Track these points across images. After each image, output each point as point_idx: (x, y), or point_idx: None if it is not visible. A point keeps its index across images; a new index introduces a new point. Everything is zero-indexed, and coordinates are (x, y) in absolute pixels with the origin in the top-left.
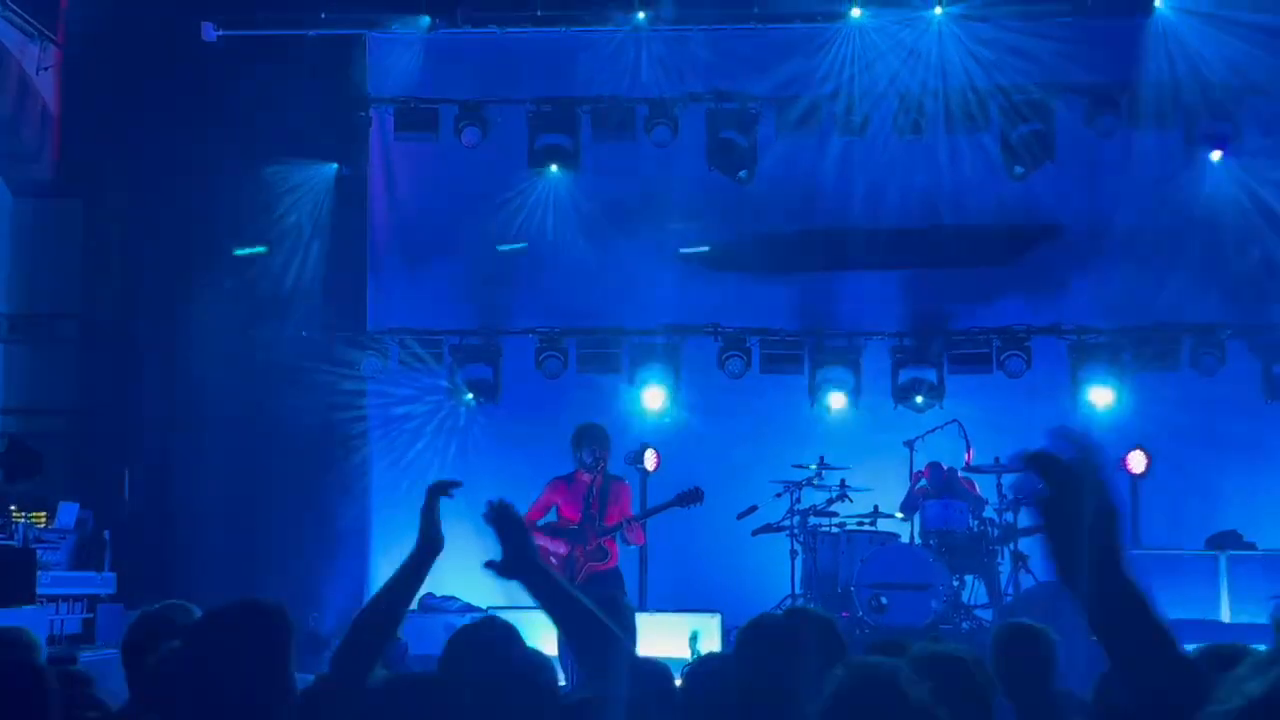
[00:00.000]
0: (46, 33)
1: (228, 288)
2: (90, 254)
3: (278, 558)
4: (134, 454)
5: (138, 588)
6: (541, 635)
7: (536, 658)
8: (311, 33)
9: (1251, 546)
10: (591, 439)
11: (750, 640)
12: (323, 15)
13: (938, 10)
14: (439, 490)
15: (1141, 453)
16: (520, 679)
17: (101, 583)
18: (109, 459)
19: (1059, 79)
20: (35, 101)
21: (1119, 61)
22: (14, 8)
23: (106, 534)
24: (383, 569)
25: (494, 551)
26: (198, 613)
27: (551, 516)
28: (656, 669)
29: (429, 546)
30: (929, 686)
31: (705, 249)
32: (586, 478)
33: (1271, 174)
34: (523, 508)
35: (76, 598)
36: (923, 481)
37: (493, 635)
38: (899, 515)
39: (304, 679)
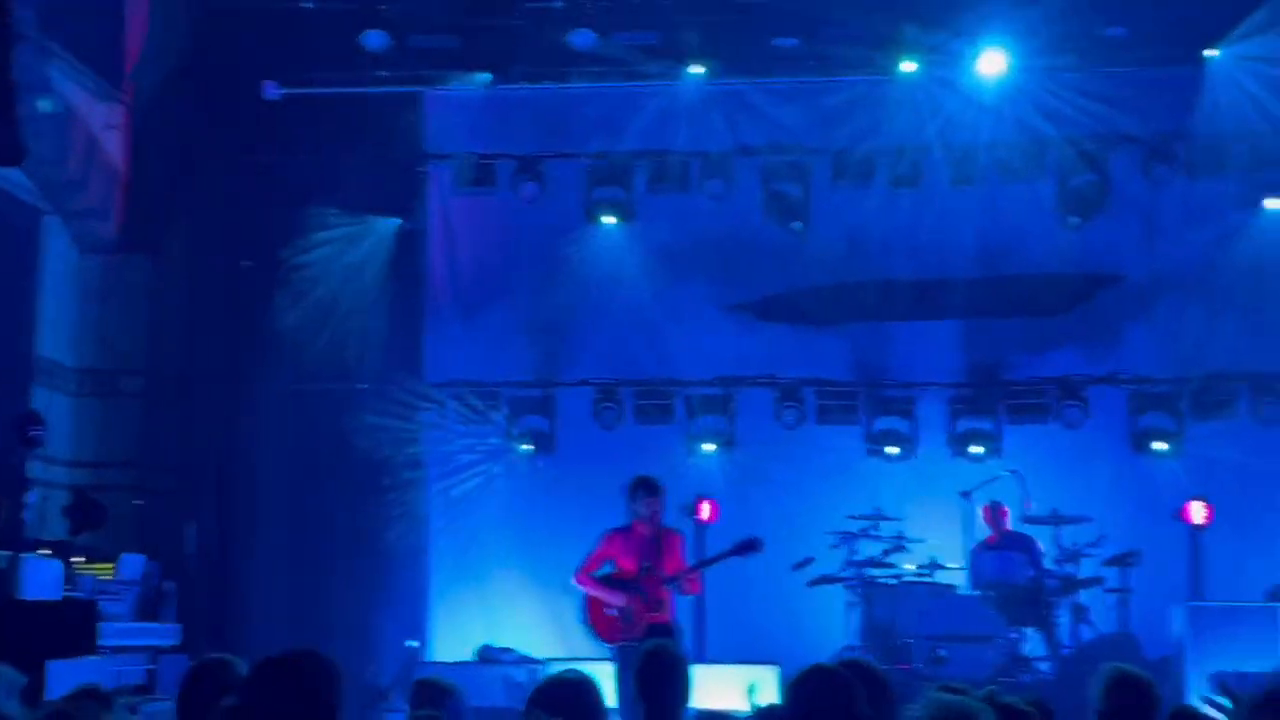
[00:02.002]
0: (114, 92)
1: (287, 343)
2: (154, 310)
3: (337, 610)
4: (197, 506)
5: (201, 639)
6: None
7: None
8: (371, 90)
9: None
10: (647, 490)
11: (800, 688)
12: (382, 74)
13: (991, 62)
14: None
15: (1201, 504)
16: None
17: (165, 634)
18: (173, 511)
19: (1114, 129)
20: (103, 160)
21: (1174, 111)
22: (82, 68)
23: (170, 586)
24: (440, 622)
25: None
26: (243, 667)
27: (608, 568)
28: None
29: None
30: None
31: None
32: (643, 529)
33: None
34: (578, 558)
35: (140, 649)
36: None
37: (579, 689)
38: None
39: None
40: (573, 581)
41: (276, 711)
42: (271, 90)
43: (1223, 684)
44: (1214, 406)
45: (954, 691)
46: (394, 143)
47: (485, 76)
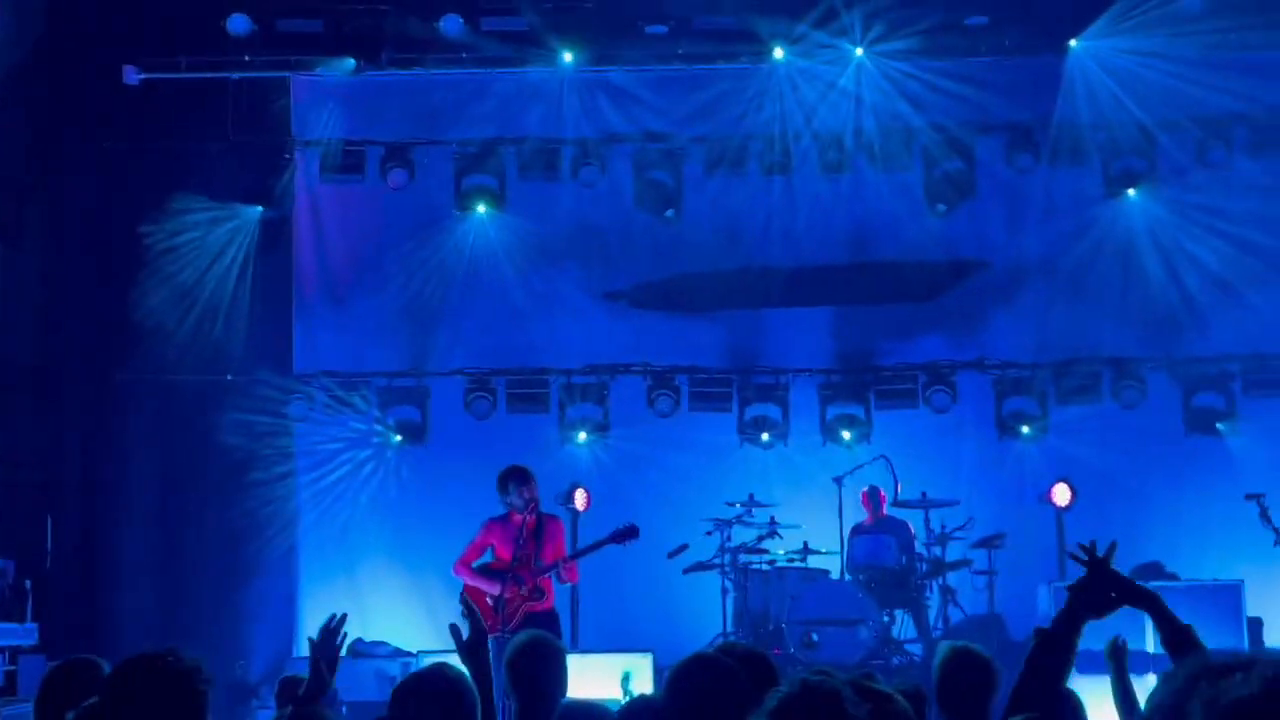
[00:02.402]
0: None
1: (152, 333)
2: (11, 298)
3: (204, 606)
4: (57, 502)
5: (61, 639)
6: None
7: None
8: (235, 75)
9: (1174, 577)
10: (519, 480)
11: (682, 678)
12: (246, 58)
13: (859, 51)
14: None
15: (1065, 486)
16: None
17: (23, 634)
18: (31, 508)
19: (979, 117)
20: None
21: (1037, 100)
22: None
23: (28, 584)
24: (309, 616)
25: (422, 595)
26: (106, 667)
27: (488, 557)
28: (593, 712)
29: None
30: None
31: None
32: (521, 518)
33: (1186, 208)
34: (456, 548)
35: None
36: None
37: (444, 685)
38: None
39: None
40: (452, 572)
41: (138, 713)
42: (132, 75)
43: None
44: (1077, 391)
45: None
46: (259, 129)
47: (351, 62)
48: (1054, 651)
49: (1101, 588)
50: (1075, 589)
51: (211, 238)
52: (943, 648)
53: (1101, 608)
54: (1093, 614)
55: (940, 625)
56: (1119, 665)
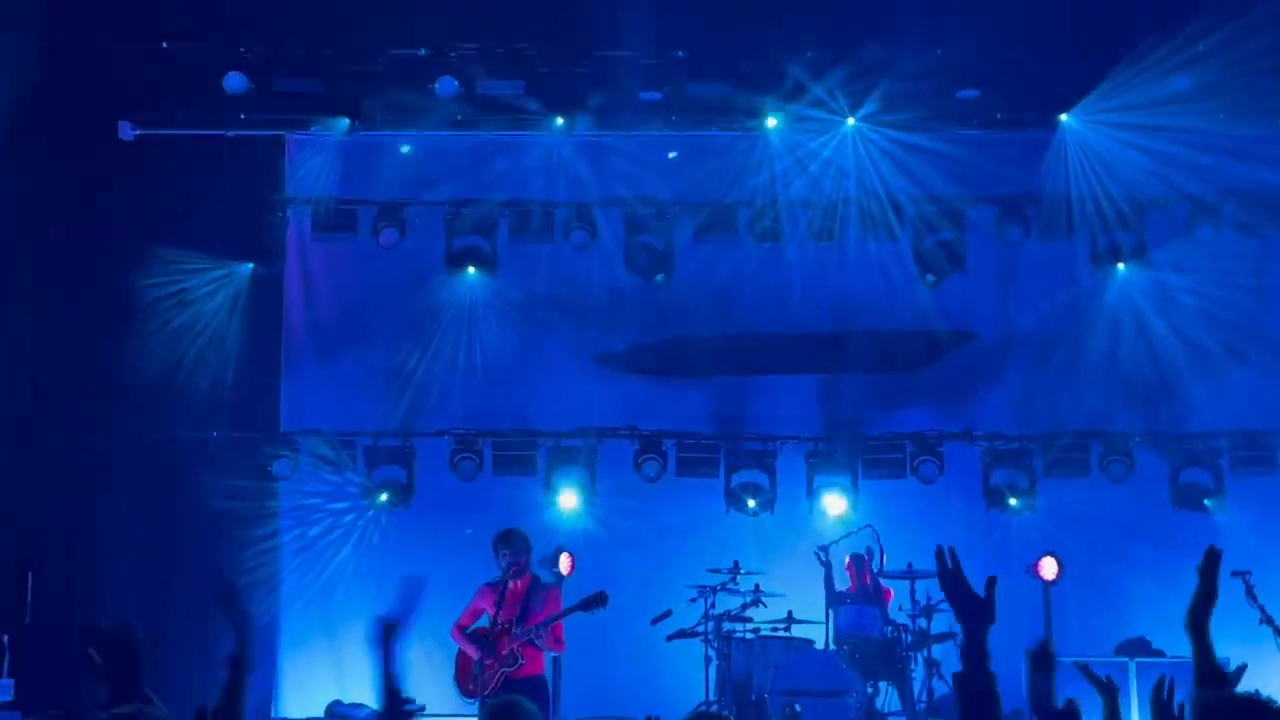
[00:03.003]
0: None
1: (138, 389)
2: (1, 353)
3: (183, 667)
4: (39, 556)
5: (37, 695)
6: None
7: None
8: (230, 133)
9: (1160, 654)
10: (506, 543)
11: None
12: (242, 116)
13: (851, 120)
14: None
15: (1052, 559)
16: None
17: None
18: (12, 564)
19: (969, 189)
20: None
21: (1027, 173)
22: None
23: (6, 640)
24: (289, 673)
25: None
26: None
27: (484, 622)
28: None
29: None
30: None
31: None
32: (512, 583)
33: (1175, 285)
34: (440, 610)
35: None
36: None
37: None
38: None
39: None
40: (451, 636)
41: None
42: (127, 130)
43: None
44: (1064, 464)
45: None
46: (253, 185)
47: (346, 122)
48: (973, 680)
49: (956, 596)
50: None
51: (202, 293)
52: None
53: (982, 617)
54: (980, 625)
55: (924, 698)
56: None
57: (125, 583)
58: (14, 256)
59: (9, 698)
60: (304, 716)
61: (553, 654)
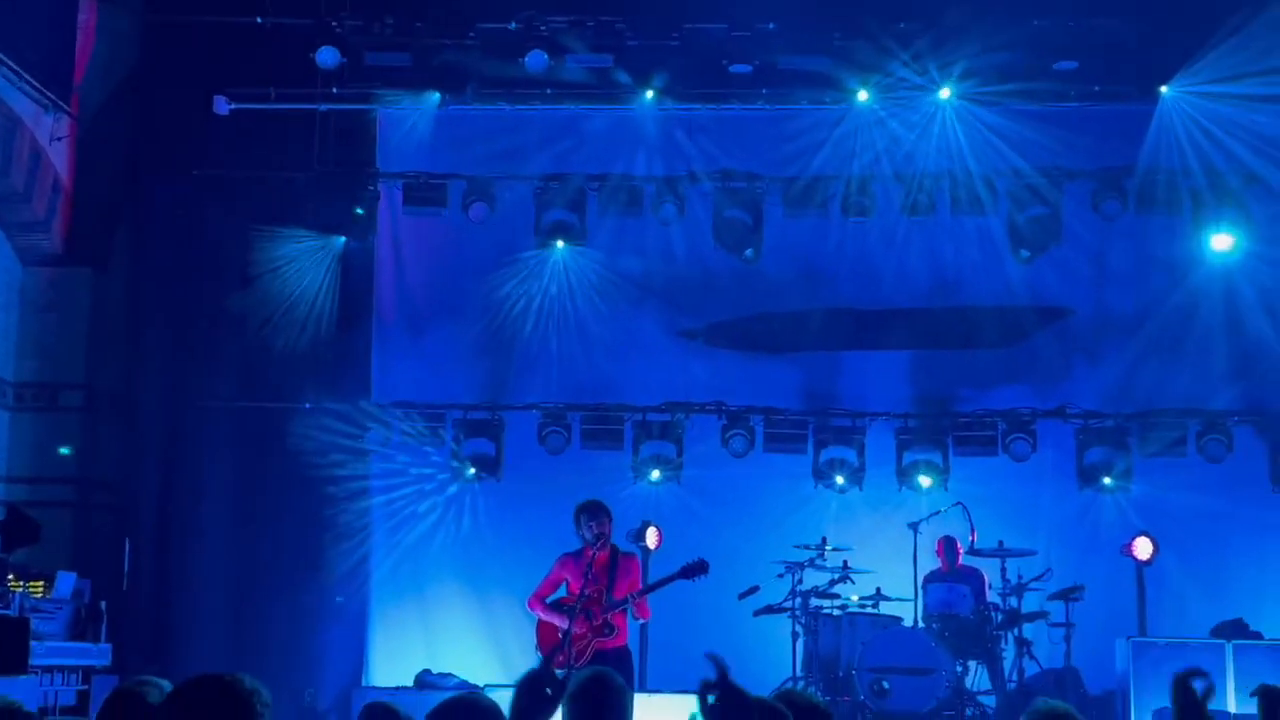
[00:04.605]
0: (60, 104)
1: (233, 359)
2: (97, 324)
3: (275, 632)
4: (134, 524)
5: (134, 660)
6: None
7: None
8: (323, 107)
9: (1258, 635)
10: (589, 514)
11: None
12: (334, 90)
13: (944, 94)
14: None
15: (1147, 539)
16: None
17: (97, 654)
18: (109, 529)
19: (1066, 163)
20: (47, 172)
21: (1125, 146)
22: (29, 79)
23: (104, 605)
24: (380, 643)
25: (491, 628)
26: (168, 688)
27: (562, 592)
28: None
29: None
30: None
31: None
32: (594, 553)
33: (1275, 260)
34: (527, 582)
35: (71, 669)
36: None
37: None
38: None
39: None
40: (526, 607)
41: None
42: (222, 105)
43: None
44: (1161, 443)
45: None
46: (345, 160)
47: (436, 96)
48: None
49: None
50: None
51: (295, 266)
52: (1031, 707)
53: None
54: None
55: (1015, 677)
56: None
57: (219, 550)
58: (112, 230)
59: (107, 662)
60: (393, 685)
61: (640, 622)
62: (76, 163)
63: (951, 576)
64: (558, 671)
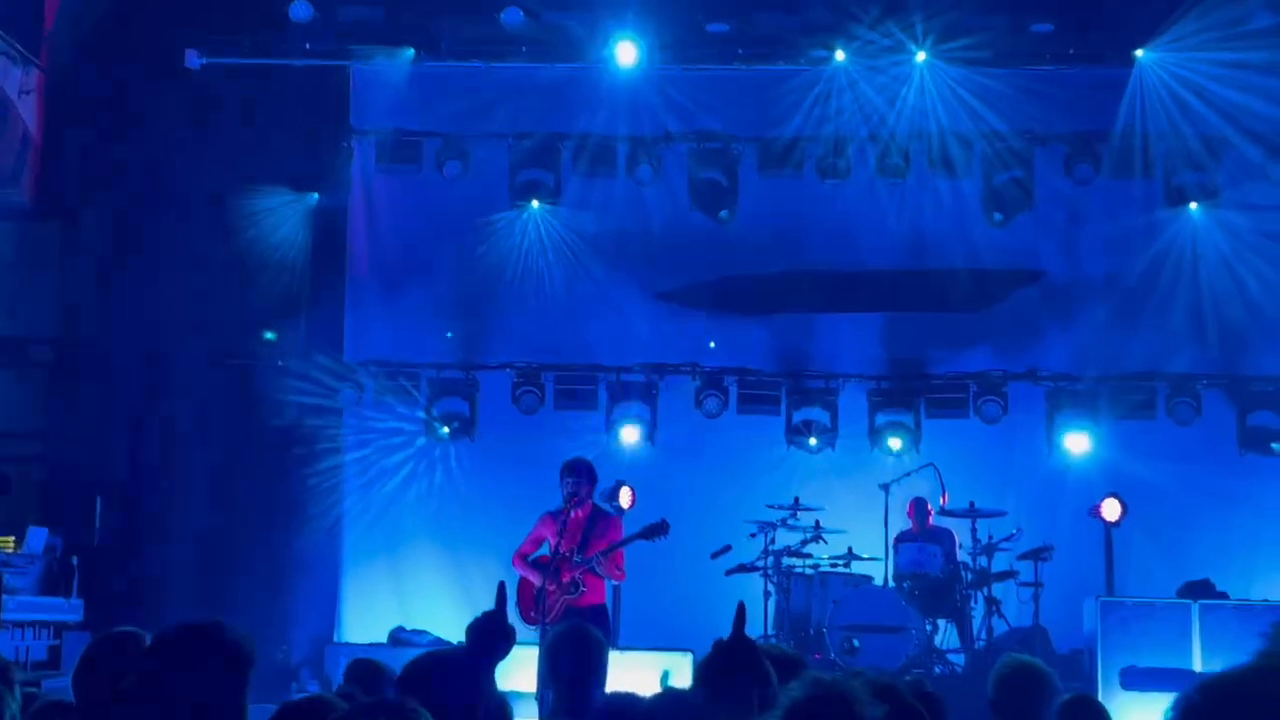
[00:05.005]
0: (30, 56)
1: (205, 316)
2: (67, 279)
3: (247, 587)
4: (105, 480)
5: (105, 615)
6: (515, 672)
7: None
8: (296, 63)
9: (1224, 596)
10: (571, 472)
11: (709, 671)
12: (307, 46)
13: (920, 56)
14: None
15: (1116, 501)
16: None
17: (69, 609)
18: (80, 484)
19: (1039, 127)
20: (15, 126)
21: (1099, 111)
22: None
23: (75, 560)
24: (353, 600)
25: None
26: (147, 640)
27: (544, 550)
28: (630, 703)
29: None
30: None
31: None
32: (573, 511)
33: (1248, 225)
34: (500, 541)
35: (43, 624)
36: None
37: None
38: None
39: (266, 709)
40: (512, 564)
41: (182, 681)
42: (193, 59)
43: None
44: (1130, 406)
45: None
46: (317, 116)
47: (410, 52)
48: None
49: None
50: None
51: (268, 223)
52: (1000, 661)
53: None
54: None
55: (984, 636)
56: None
57: (191, 506)
58: (83, 187)
59: (79, 617)
60: (367, 642)
61: (613, 582)
62: (45, 116)
63: (922, 536)
64: (531, 628)
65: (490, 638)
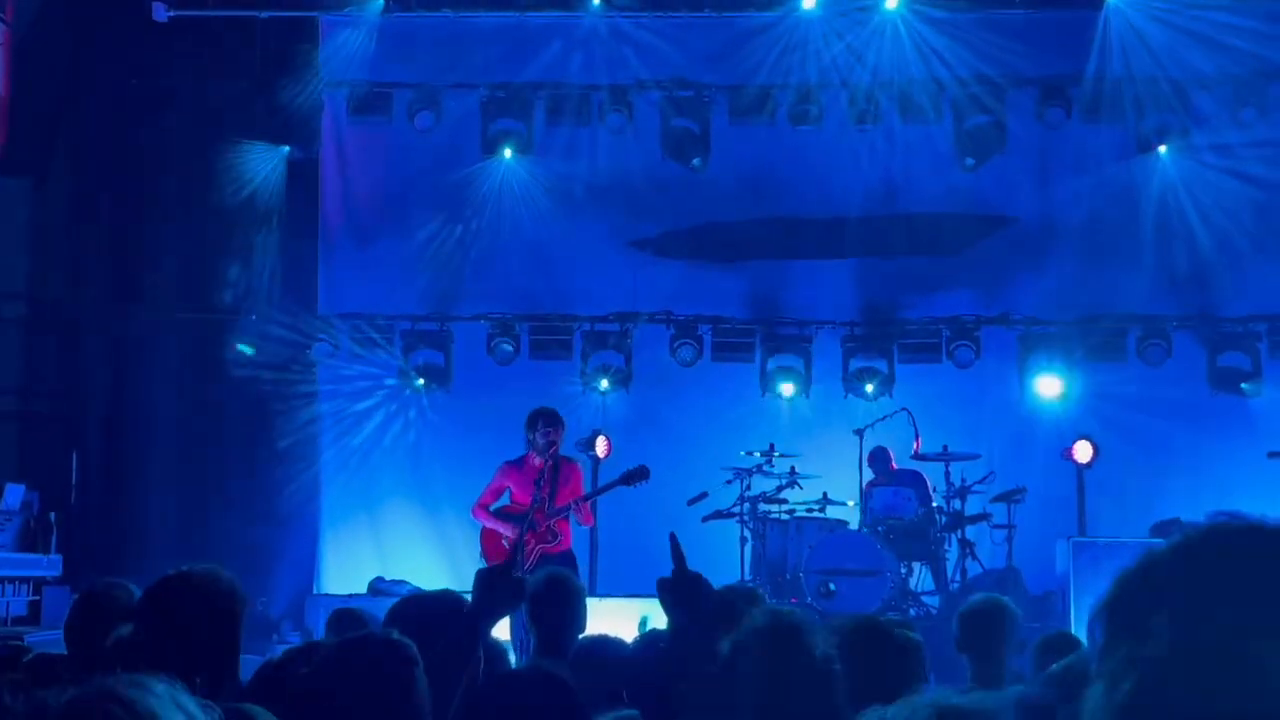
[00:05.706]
0: None
1: (177, 270)
2: (37, 234)
3: (226, 541)
4: (81, 435)
5: (84, 570)
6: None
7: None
8: (264, 14)
9: None
10: (545, 421)
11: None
12: None
13: (891, 3)
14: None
15: (1087, 443)
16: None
17: (47, 565)
18: (56, 440)
19: (1010, 71)
20: None
21: (1070, 55)
22: None
23: (53, 516)
24: (330, 554)
25: (442, 535)
26: (138, 593)
27: (505, 501)
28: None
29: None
30: (835, 641)
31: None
32: (538, 461)
33: (1218, 167)
34: (477, 491)
35: (22, 580)
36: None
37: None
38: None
39: (250, 660)
40: (471, 515)
41: (179, 627)
42: (160, 12)
43: None
44: (1102, 348)
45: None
46: (287, 68)
47: (380, 2)
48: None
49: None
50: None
51: (238, 177)
52: (971, 599)
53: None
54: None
55: (958, 578)
56: None
57: (168, 460)
58: (50, 141)
59: (57, 573)
60: (347, 593)
61: (584, 527)
62: (11, 72)
63: (895, 480)
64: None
65: (505, 595)
